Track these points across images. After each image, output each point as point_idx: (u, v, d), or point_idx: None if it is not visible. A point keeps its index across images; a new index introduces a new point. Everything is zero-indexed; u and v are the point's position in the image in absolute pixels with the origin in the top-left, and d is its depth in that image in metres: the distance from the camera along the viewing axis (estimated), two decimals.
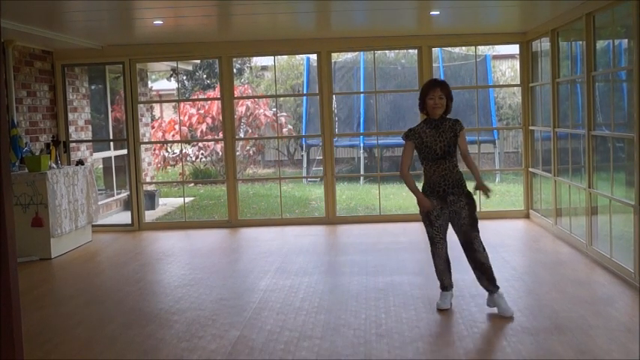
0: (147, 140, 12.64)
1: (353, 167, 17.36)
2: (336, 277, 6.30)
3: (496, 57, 18.78)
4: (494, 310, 5.00)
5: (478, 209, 9.59)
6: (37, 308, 5.57)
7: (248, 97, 16.43)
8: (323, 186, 9.54)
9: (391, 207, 11.63)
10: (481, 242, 5.01)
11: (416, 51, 9.24)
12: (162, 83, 20.70)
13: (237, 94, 14.25)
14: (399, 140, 5.25)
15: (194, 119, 15.94)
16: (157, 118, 18.73)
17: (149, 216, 10.29)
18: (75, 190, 8.00)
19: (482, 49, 16.70)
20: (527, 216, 9.17)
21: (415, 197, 5.10)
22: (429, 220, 5.07)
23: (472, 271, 5.11)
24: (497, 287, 5.01)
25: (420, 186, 5.14)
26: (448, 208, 5.01)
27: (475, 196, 5.12)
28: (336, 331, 4.71)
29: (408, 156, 5.09)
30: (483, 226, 8.62)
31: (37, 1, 6.18)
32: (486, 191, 5.13)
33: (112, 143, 10.98)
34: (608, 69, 6.56)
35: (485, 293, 5.13)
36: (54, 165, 7.86)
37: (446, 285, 5.23)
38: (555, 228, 7.93)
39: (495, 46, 17.52)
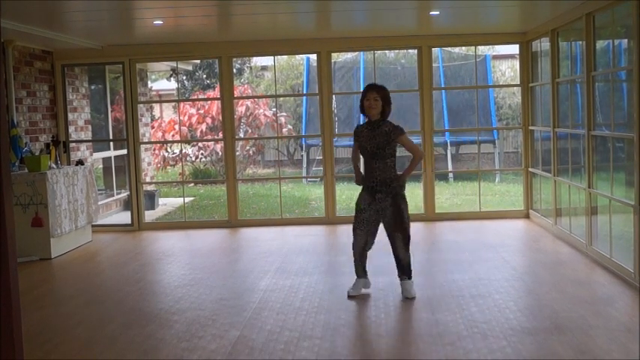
0: (147, 140, 12.64)
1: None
2: (336, 277, 6.29)
3: (496, 57, 18.78)
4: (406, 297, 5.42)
5: (478, 210, 9.71)
6: (37, 308, 5.56)
7: (248, 97, 16.43)
8: (323, 186, 9.54)
9: None
10: (402, 242, 5.46)
11: (416, 51, 9.24)
12: (162, 83, 20.70)
13: (237, 94, 14.25)
14: None
15: (194, 119, 15.94)
16: (156, 118, 18.73)
17: (149, 216, 10.29)
18: (75, 190, 8.00)
19: (482, 49, 16.70)
20: (527, 216, 9.17)
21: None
22: (359, 208, 5.48)
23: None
24: (409, 277, 5.52)
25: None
26: (376, 204, 5.43)
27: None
28: (336, 331, 4.71)
29: (354, 148, 5.64)
30: (483, 226, 8.74)
31: (37, 1, 6.18)
32: (397, 185, 5.40)
33: (111, 143, 10.98)
34: (608, 69, 6.56)
35: (485, 294, 5.11)
36: (54, 165, 7.86)
37: (359, 273, 5.60)
38: (555, 228, 7.93)
39: (495, 46, 17.51)
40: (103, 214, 10.15)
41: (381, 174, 5.39)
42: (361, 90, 16.02)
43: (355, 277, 5.63)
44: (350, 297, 5.48)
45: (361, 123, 5.65)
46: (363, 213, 5.45)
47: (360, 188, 5.56)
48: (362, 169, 5.63)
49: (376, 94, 5.40)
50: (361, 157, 5.61)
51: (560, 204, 7.92)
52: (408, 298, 5.39)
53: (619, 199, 6.09)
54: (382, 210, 5.42)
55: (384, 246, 7.65)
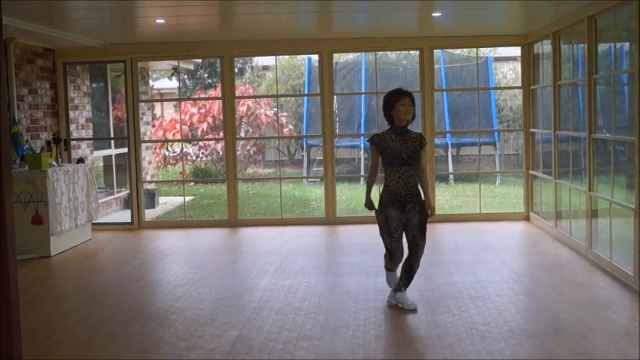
0: (147, 139, 12.64)
1: (353, 168, 17.35)
2: (335, 278, 6.29)
3: (497, 59, 18.76)
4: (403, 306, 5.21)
5: (479, 212, 9.71)
6: (36, 306, 5.56)
7: (249, 97, 16.42)
8: (323, 186, 9.53)
9: None
10: (423, 251, 5.21)
11: (417, 52, 9.24)
12: (164, 82, 20.69)
13: (238, 93, 14.25)
14: None
15: (195, 118, 15.93)
16: (157, 116, 18.71)
17: (149, 215, 10.29)
18: (75, 188, 8.01)
19: (484, 51, 16.70)
20: (527, 218, 9.16)
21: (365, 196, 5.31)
22: (389, 231, 5.15)
23: (401, 270, 5.29)
24: (406, 288, 5.28)
25: (377, 194, 5.29)
26: (406, 216, 5.14)
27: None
28: (335, 332, 4.71)
29: (374, 159, 5.26)
30: (483, 227, 8.74)
31: None
32: (430, 211, 5.23)
33: (112, 141, 10.98)
34: (610, 72, 6.56)
35: (484, 296, 5.10)
36: (54, 163, 7.86)
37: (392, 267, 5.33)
38: (555, 230, 7.93)
39: (497, 48, 17.50)
40: (103, 212, 10.15)
41: (413, 183, 5.12)
42: (362, 91, 15.87)
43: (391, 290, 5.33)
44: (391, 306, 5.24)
45: (378, 132, 5.30)
46: (397, 231, 5.14)
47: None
48: (388, 182, 5.17)
49: (409, 100, 5.15)
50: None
51: (560, 207, 7.92)
52: (412, 310, 5.13)
53: (619, 202, 6.09)
54: (409, 219, 5.14)
55: (380, 246, 7.66)
